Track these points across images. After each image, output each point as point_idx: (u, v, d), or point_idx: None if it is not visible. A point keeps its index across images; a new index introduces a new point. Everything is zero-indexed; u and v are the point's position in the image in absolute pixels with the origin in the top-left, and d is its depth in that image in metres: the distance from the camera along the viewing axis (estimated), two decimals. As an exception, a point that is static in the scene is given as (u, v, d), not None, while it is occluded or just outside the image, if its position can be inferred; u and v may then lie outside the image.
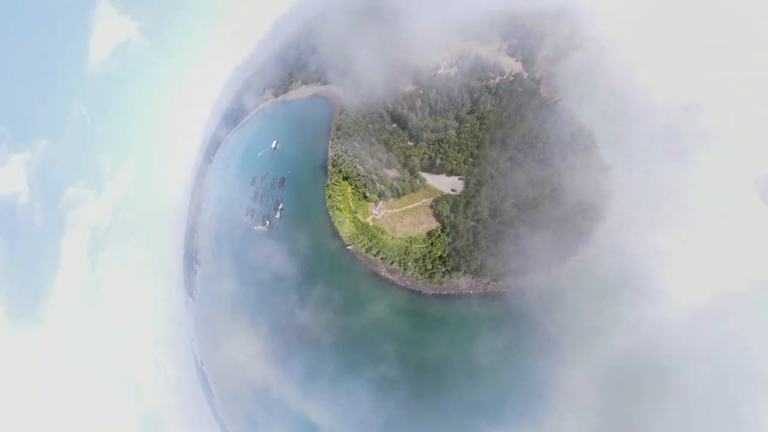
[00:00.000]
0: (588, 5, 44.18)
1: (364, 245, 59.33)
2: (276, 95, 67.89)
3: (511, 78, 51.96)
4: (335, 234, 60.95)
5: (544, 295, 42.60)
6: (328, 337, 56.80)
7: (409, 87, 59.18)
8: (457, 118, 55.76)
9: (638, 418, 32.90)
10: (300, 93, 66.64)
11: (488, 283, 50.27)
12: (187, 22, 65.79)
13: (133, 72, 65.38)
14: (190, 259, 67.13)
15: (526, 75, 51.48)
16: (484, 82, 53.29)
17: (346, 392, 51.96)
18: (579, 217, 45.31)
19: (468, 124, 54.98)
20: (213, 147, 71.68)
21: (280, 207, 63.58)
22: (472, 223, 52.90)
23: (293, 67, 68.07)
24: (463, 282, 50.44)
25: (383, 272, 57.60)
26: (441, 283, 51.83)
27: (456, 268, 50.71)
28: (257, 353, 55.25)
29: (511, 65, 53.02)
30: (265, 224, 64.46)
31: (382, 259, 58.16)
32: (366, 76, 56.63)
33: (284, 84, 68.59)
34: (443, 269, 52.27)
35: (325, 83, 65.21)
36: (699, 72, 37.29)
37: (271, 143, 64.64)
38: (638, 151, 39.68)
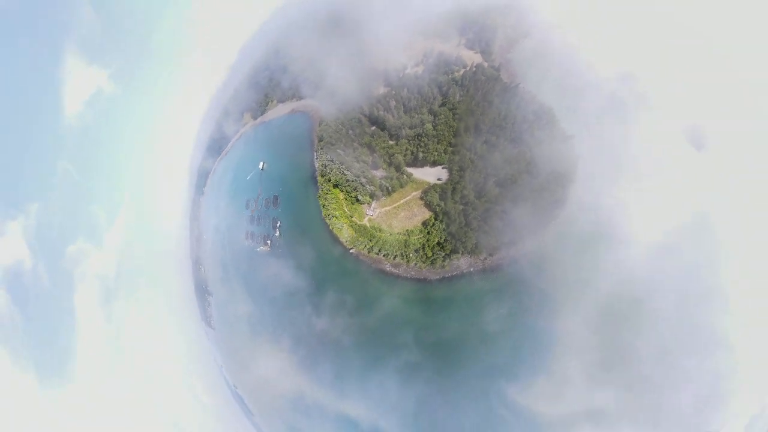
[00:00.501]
0: None
1: (365, 246, 62.25)
2: (255, 118, 70.71)
3: (474, 69, 58.02)
4: (336, 240, 63.71)
5: (534, 259, 49.09)
6: (348, 337, 59.61)
7: (382, 89, 63.53)
8: (431, 112, 60.47)
9: (626, 344, 41.36)
10: (278, 112, 69.50)
11: (485, 258, 55.71)
12: (156, 62, 69.67)
13: (110, 120, 67.20)
14: (202, 290, 69.07)
15: (486, 64, 57.42)
16: (450, 76, 58.82)
17: (375, 384, 55.93)
18: (553, 185, 51.74)
19: (442, 116, 60.28)
20: (202, 178, 73.31)
21: (278, 225, 65.83)
22: (462, 206, 58.06)
23: (267, 88, 70.84)
24: (462, 262, 55.56)
25: (388, 268, 60.98)
26: (443, 267, 56.71)
27: (454, 251, 56.16)
28: (285, 366, 58.76)
29: (472, 57, 58.99)
30: (266, 244, 66.27)
31: (384, 255, 61.67)
32: (339, 85, 60.43)
33: (261, 105, 71.31)
34: (443, 254, 57.11)
35: (301, 98, 68.51)
36: (628, 47, 46.13)
37: (258, 165, 67.08)
38: (592, 119, 47.51)
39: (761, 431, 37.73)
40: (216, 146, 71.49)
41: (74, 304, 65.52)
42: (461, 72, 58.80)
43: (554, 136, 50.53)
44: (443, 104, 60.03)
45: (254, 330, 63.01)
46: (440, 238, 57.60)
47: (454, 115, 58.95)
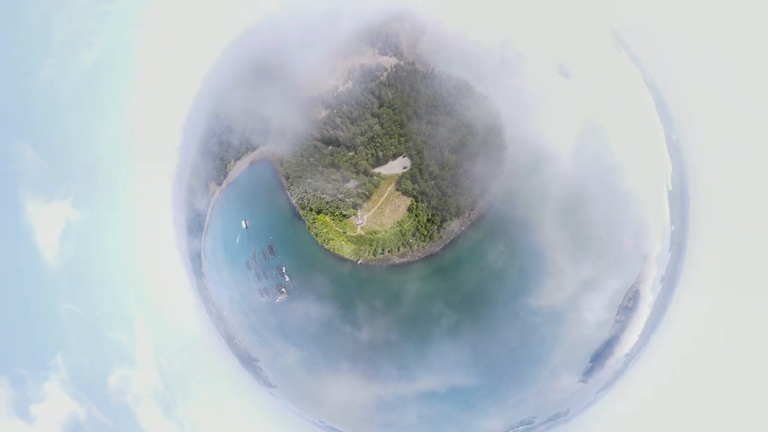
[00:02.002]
0: (410, 3, 65.83)
1: (369, 252, 67.72)
2: (219, 184, 74.34)
3: (394, 69, 68.71)
4: (341, 259, 68.51)
5: (503, 196, 63.37)
6: (392, 333, 65.61)
7: (323, 112, 70.40)
8: (373, 115, 68.66)
9: (583, 227, 59.82)
10: (239, 169, 73.61)
11: (469, 214, 66.96)
12: (109, 174, 69.90)
13: (90, 246, 67.78)
14: (247, 360, 72.38)
15: (402, 63, 68.86)
16: (377, 81, 68.67)
17: (433, 355, 63.74)
18: (491, 136, 65.46)
19: (384, 116, 68.43)
20: (196, 261, 75.29)
21: (284, 270, 70.00)
22: (432, 181, 66.89)
23: (220, 152, 74.43)
24: (454, 226, 66.27)
25: (397, 260, 68.33)
26: (441, 237, 66.54)
27: (443, 220, 65.92)
28: (353, 384, 65.02)
29: (388, 60, 69.96)
30: (282, 292, 70.35)
31: (389, 251, 68.05)
32: (284, 124, 66.02)
33: (221, 170, 74.99)
34: (435, 227, 66.31)
35: (255, 149, 73.00)
36: (497, 21, 63.57)
37: (241, 225, 70.94)
38: (494, 78, 63.16)
39: (666, 244, 62.01)
40: (195, 225, 73.32)
41: (143, 427, 61.41)
42: (384, 75, 69.27)
43: (475, 100, 64.61)
44: (381, 105, 68.83)
45: (311, 369, 67.89)
46: (428, 215, 66.64)
47: (393, 111, 68.16)
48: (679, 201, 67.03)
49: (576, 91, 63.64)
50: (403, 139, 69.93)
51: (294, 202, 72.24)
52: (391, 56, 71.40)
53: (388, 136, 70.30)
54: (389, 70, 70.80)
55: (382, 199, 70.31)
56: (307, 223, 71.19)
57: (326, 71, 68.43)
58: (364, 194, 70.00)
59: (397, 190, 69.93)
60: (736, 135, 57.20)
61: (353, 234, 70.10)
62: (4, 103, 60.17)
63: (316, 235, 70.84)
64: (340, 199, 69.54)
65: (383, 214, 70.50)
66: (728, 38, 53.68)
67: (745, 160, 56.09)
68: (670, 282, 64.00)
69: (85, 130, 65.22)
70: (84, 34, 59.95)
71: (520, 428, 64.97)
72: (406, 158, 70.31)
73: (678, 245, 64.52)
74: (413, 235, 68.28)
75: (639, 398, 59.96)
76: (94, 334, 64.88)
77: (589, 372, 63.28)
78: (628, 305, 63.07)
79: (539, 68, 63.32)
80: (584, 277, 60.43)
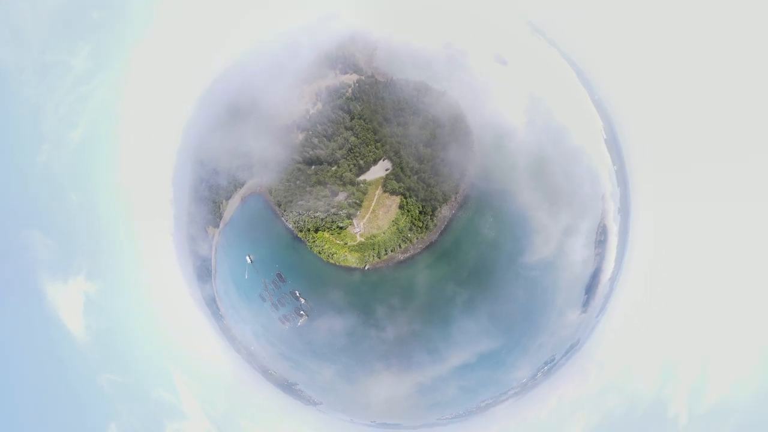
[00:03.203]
0: (358, 27, 72.19)
1: (373, 256, 67.47)
2: (216, 226, 75.54)
3: (357, 84, 72.39)
4: (348, 270, 67.95)
5: (480, 175, 68.85)
6: (414, 325, 66.28)
7: (300, 136, 71.40)
8: (347, 128, 69.92)
9: (549, 184, 67.75)
10: (232, 208, 74.92)
11: (455, 198, 69.61)
12: (111, 241, 69.70)
13: (111, 313, 68.11)
14: (286, 387, 73.93)
15: (363, 77, 73.11)
16: (344, 98, 71.84)
17: (456, 333, 65.51)
18: (457, 125, 69.72)
19: (357, 127, 69.63)
20: (212, 306, 75.63)
21: (298, 294, 69.86)
22: (415, 176, 68.04)
23: (212, 195, 75.57)
24: (444, 211, 68.94)
25: (401, 257, 68.78)
26: (435, 225, 68.47)
27: (434, 209, 67.38)
28: (391, 380, 66.41)
29: (350, 78, 73.71)
30: (301, 316, 70.19)
31: (392, 251, 68.07)
32: (265, 155, 67.90)
33: (215, 212, 75.82)
34: (428, 217, 67.44)
35: (242, 184, 74.07)
36: (437, 28, 71.78)
37: (246, 260, 72.26)
38: (446, 75, 70.34)
39: (614, 182, 72.36)
40: (203, 271, 74.82)
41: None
42: (349, 91, 72.48)
43: (435, 96, 70.01)
44: (352, 118, 70.45)
45: (349, 378, 69.46)
46: (418, 207, 67.58)
47: (365, 121, 69.94)
48: (614, 145, 79.94)
49: (514, 73, 72.50)
50: (379, 144, 69.77)
51: (291, 226, 70.37)
52: (351, 74, 74.63)
53: (364, 145, 69.89)
54: (353, 85, 73.25)
55: (373, 204, 70.11)
56: (308, 244, 68.57)
57: (295, 98, 70.58)
58: (355, 203, 68.21)
59: (385, 191, 70.12)
60: (642, 83, 71.05)
61: (354, 243, 68.67)
62: (10, 194, 61.07)
63: (320, 252, 68.13)
64: (334, 213, 67.64)
65: (378, 217, 69.58)
66: (621, 17, 67.98)
67: (653, 101, 70.12)
68: (624, 211, 72.50)
69: (83, 205, 66.85)
70: (70, 116, 62.59)
71: (545, 368, 69.08)
72: (386, 161, 70.61)
73: (622, 180, 77.87)
74: (410, 229, 68.02)
75: (625, 311, 68.93)
76: (139, 397, 65.16)
77: (586, 303, 69.33)
78: (600, 239, 70.53)
79: (480, 61, 71.59)
80: (563, 226, 66.94)
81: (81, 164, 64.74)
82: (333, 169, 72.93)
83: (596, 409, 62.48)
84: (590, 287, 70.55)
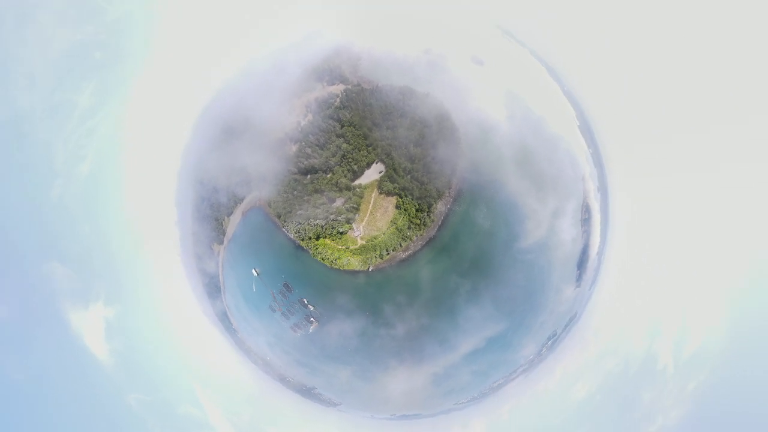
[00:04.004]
0: (341, 41, 73.88)
1: (375, 257, 66.50)
2: (221, 243, 76.63)
3: (344, 94, 72.98)
4: (352, 273, 66.92)
5: (470, 168, 70.51)
6: (423, 319, 66.45)
7: (294, 147, 71.13)
8: (338, 136, 69.45)
9: (534, 171, 70.37)
10: (234, 223, 76.02)
11: (449, 193, 69.74)
12: (125, 265, 71.88)
13: (131, 336, 70.18)
14: (306, 391, 75.14)
15: (350, 87, 73.62)
16: (333, 107, 72.36)
17: (464, 322, 65.84)
18: (443, 123, 70.14)
19: (348, 134, 69.08)
20: (225, 320, 76.78)
21: (306, 302, 69.74)
22: (408, 176, 67.34)
23: (214, 213, 76.45)
24: (440, 207, 68.96)
25: (403, 255, 68.14)
26: (433, 221, 68.16)
27: (430, 205, 67.10)
28: (405, 374, 67.35)
29: (338, 88, 74.17)
30: (311, 322, 70.13)
31: (393, 250, 67.17)
32: (261, 169, 68.75)
33: (218, 230, 76.74)
34: (425, 214, 67.13)
35: (242, 200, 74.88)
36: (414, 36, 74.02)
37: (253, 273, 73.21)
38: (428, 78, 72.42)
39: (591, 163, 75.55)
40: (213, 288, 76.43)
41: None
42: (338, 100, 72.54)
43: (419, 99, 71.32)
44: (342, 126, 69.97)
45: (365, 377, 70.27)
46: (414, 206, 66.97)
47: (355, 127, 69.53)
48: (587, 130, 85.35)
49: (491, 73, 75.61)
50: (370, 148, 68.78)
51: (292, 236, 68.85)
52: (338, 84, 74.99)
53: (356, 150, 68.73)
54: (340, 95, 73.09)
55: (370, 206, 69.42)
56: (311, 252, 66.72)
57: (286, 112, 71.56)
58: (353, 207, 66.61)
59: (381, 193, 69.23)
60: (604, 73, 75.97)
61: (355, 246, 67.23)
62: (30, 229, 61.24)
63: (323, 259, 66.17)
64: (333, 219, 66.01)
65: (376, 219, 68.43)
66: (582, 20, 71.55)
67: (616, 88, 75.49)
68: (603, 189, 75.32)
69: (96, 233, 68.81)
70: (78, 149, 64.62)
71: (549, 343, 70.63)
72: (379, 164, 69.88)
73: (598, 161, 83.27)
74: (408, 227, 66.98)
75: (613, 281, 72.26)
76: (166, 414, 66.65)
77: (579, 278, 71.52)
78: (585, 217, 73.02)
79: (459, 63, 74.36)
80: (551, 209, 69.35)
81: (91, 195, 65.96)
82: (328, 176, 73.44)
83: (597, 373, 65.08)
84: (581, 263, 73.94)
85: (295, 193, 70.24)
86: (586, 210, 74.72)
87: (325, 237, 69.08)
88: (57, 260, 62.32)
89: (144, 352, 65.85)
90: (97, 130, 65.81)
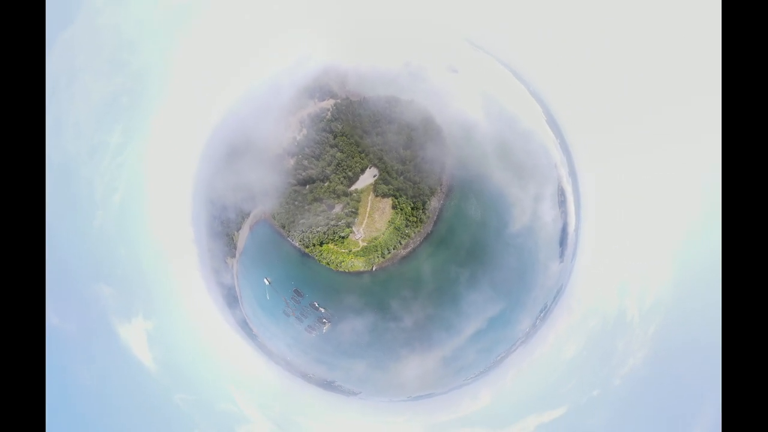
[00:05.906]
0: (329, 61, 76.80)
1: (378, 257, 64.41)
2: (233, 256, 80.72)
3: (335, 107, 73.86)
4: (357, 274, 65.35)
5: (457, 165, 71.83)
6: (428, 309, 66.43)
7: (292, 161, 71.52)
8: (332, 146, 68.28)
9: (515, 162, 72.04)
10: (243, 237, 79.46)
11: (441, 189, 68.68)
12: (156, 283, 79.73)
13: (170, 345, 76.95)
14: (327, 384, 78.78)
15: (339, 100, 74.29)
16: (325, 120, 73.20)
17: (467, 307, 66.35)
18: (428, 126, 70.03)
19: (341, 143, 67.39)
20: (245, 327, 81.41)
21: (317, 305, 70.04)
22: (401, 177, 64.90)
23: (225, 229, 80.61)
24: (434, 203, 67.62)
25: (404, 252, 66.38)
26: (428, 217, 67.04)
27: (424, 203, 65.35)
28: (418, 361, 68.98)
29: (328, 103, 75.21)
30: (324, 323, 70.92)
31: (394, 249, 65.05)
32: (264, 184, 71.55)
33: (230, 245, 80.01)
34: (421, 211, 65.13)
35: (248, 214, 77.60)
36: (393, 51, 75.74)
37: (264, 282, 76.51)
38: (411, 87, 75.07)
39: (560, 151, 77.52)
40: (231, 299, 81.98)
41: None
42: (329, 114, 73.20)
43: (405, 106, 72.22)
44: (335, 136, 69.35)
45: (380, 367, 72.05)
46: (410, 204, 64.97)
47: (347, 137, 68.66)
48: (553, 124, 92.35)
49: (466, 78, 78.49)
50: (363, 155, 66.17)
51: (297, 245, 66.80)
52: (329, 99, 75.52)
53: (350, 158, 65.71)
54: (331, 109, 72.99)
55: (368, 209, 67.65)
56: (317, 257, 63.59)
57: (283, 129, 74.73)
58: (352, 212, 63.37)
59: (377, 196, 66.96)
60: (560, 73, 72.12)
61: (358, 249, 64.89)
62: (81, 255, 68.67)
63: (328, 263, 63.07)
64: (334, 225, 63.15)
65: (375, 221, 65.98)
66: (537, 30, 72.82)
67: (572, 85, 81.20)
68: (573, 173, 77.76)
69: (129, 256, 75.80)
70: (111, 182, 72.37)
71: (541, 315, 72.10)
72: (372, 169, 67.96)
73: (565, 149, 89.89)
74: (406, 225, 63.95)
75: (589, 252, 76.43)
76: (208, 410, 73.33)
77: (561, 254, 73.11)
78: (561, 200, 74.73)
79: (437, 72, 77.70)
80: (532, 195, 71.20)
81: (123, 221, 72.73)
82: (326, 185, 73.25)
83: (582, 332, 69.43)
84: (562, 240, 77.04)
85: (296, 203, 70.78)
86: (561, 193, 79.43)
87: (329, 242, 66.79)
88: (103, 282, 69.24)
89: (181, 359, 67.10)
90: (125, 164, 72.06)
